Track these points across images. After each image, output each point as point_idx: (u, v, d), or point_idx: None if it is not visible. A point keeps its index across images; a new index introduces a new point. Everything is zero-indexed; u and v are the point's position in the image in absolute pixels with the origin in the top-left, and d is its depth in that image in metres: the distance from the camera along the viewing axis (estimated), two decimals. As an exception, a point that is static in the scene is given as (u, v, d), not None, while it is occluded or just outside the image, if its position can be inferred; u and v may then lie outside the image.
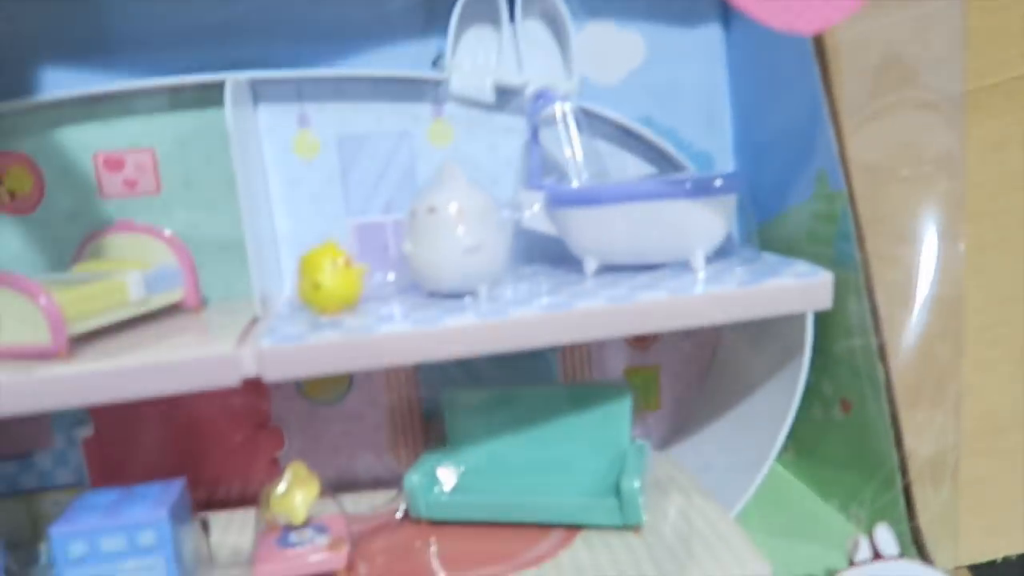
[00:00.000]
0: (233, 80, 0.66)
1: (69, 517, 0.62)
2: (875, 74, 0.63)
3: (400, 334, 0.58)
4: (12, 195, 0.72)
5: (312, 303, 0.63)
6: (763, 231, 0.78)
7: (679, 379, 0.86)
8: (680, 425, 0.85)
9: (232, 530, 0.74)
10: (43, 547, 0.74)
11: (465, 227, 0.63)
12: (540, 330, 0.59)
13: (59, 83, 0.71)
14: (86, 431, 0.76)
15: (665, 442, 0.85)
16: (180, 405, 0.77)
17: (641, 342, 0.84)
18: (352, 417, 0.81)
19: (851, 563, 0.56)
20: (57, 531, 0.60)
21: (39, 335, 0.55)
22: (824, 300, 0.63)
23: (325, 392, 0.80)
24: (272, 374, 0.57)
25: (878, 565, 0.56)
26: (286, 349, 0.57)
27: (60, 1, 0.70)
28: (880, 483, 0.66)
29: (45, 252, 0.72)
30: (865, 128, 0.63)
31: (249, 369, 0.57)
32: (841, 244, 0.65)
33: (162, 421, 0.77)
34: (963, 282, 0.59)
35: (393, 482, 0.79)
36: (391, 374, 0.81)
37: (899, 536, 0.63)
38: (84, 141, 0.72)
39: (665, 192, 0.65)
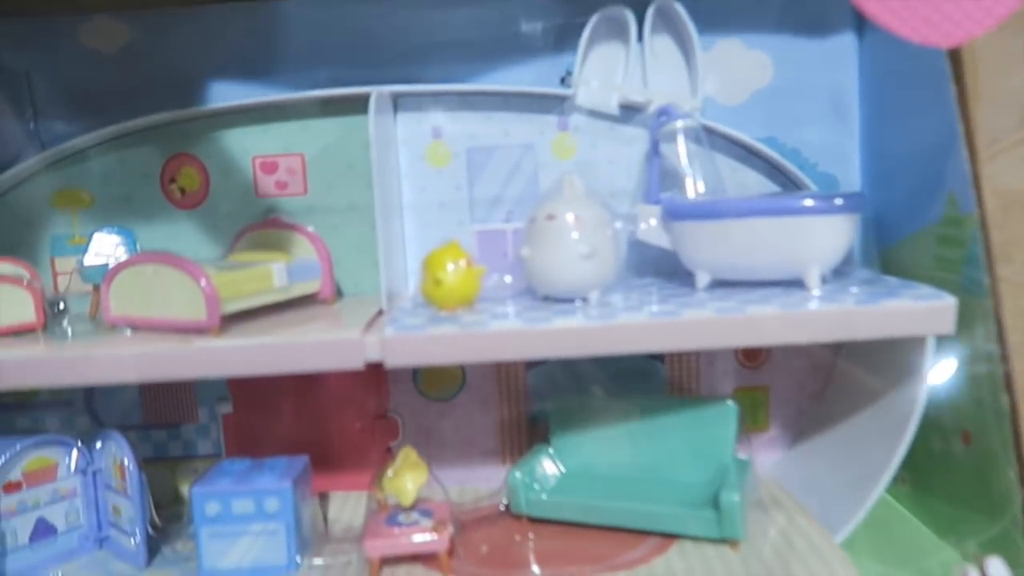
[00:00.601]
0: (377, 92, 0.73)
1: (208, 480, 0.69)
2: (1018, 99, 0.61)
3: (511, 331, 0.61)
4: (183, 192, 0.81)
5: (433, 299, 0.67)
6: (887, 255, 0.76)
7: (789, 401, 0.84)
8: (789, 448, 0.84)
9: (346, 509, 0.80)
10: (183, 508, 0.82)
11: (580, 234, 0.66)
12: (646, 336, 0.61)
13: (225, 94, 0.79)
14: (226, 408, 0.84)
15: (772, 464, 0.84)
16: (309, 392, 0.83)
17: (752, 361, 0.84)
18: (462, 415, 0.85)
19: (961, 596, 0.54)
20: (197, 490, 0.68)
21: (198, 311, 0.62)
22: (946, 325, 0.61)
23: (439, 389, 0.85)
24: (392, 360, 0.61)
25: (991, 601, 0.53)
26: (406, 338, 0.61)
27: (228, 25, 0.79)
28: (1001, 521, 0.62)
29: (207, 242, 0.81)
30: (1007, 154, 0.61)
31: (373, 354, 0.62)
32: (969, 269, 0.63)
33: (292, 405, 0.84)
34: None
35: (496, 479, 0.82)
36: (502, 377, 0.84)
37: (1021, 580, 0.59)
38: (244, 146, 0.80)
39: (783, 208, 0.66)
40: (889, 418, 0.69)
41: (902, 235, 0.73)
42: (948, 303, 0.61)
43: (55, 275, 0.82)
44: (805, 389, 0.84)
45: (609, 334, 0.61)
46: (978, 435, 0.65)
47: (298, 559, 0.68)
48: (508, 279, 0.73)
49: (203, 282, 0.62)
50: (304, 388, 0.84)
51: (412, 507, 0.68)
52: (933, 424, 0.69)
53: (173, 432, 0.85)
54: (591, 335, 0.61)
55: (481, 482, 0.84)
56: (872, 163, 0.79)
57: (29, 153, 0.79)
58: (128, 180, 0.81)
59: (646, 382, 0.83)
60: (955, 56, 0.63)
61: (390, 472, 0.67)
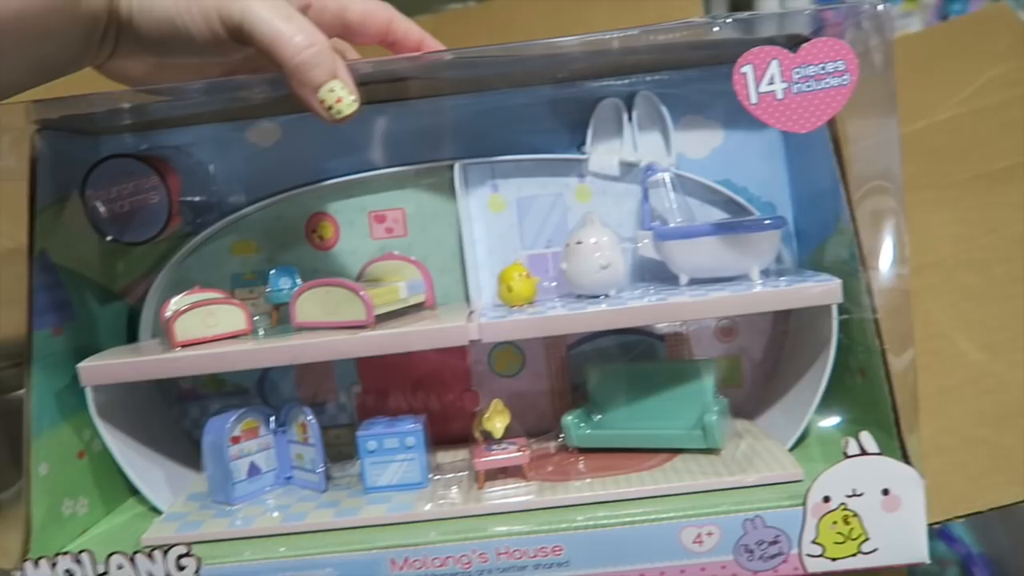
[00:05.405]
0: (459, 164, 1.09)
1: (364, 429, 1.03)
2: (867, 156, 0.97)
3: (560, 315, 0.96)
4: (321, 239, 1.17)
5: (506, 300, 1.02)
6: (812, 256, 1.11)
7: (756, 365, 1.18)
8: (757, 397, 1.17)
9: (448, 455, 1.13)
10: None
11: (600, 252, 1.01)
12: (647, 313, 0.96)
13: (347, 168, 1.15)
14: (358, 389, 1.19)
15: (747, 411, 1.17)
16: (418, 375, 1.18)
17: (727, 337, 1.18)
18: (523, 386, 1.19)
19: (845, 456, 0.87)
20: (360, 434, 1.02)
21: (360, 314, 0.97)
22: (836, 297, 0.96)
23: (507, 368, 1.19)
24: (487, 337, 0.96)
25: (864, 457, 0.86)
26: (495, 323, 0.96)
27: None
28: (881, 424, 0.96)
29: (341, 272, 1.16)
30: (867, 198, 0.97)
31: (474, 335, 0.97)
32: (853, 263, 0.98)
33: (406, 384, 1.19)
34: (909, 293, 0.90)
35: (550, 431, 1.16)
36: (551, 358, 1.19)
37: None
38: (362, 204, 1.16)
39: (732, 228, 1.01)
40: (815, 367, 1.03)
41: (817, 243, 1.08)
42: (835, 283, 0.95)
43: (235, 302, 1.17)
44: (766, 356, 1.18)
45: (622, 313, 0.96)
46: (869, 372, 0.99)
47: (429, 477, 1.02)
48: (553, 284, 1.08)
49: (363, 294, 0.97)
50: (415, 371, 1.19)
51: (500, 440, 1.03)
52: (843, 368, 1.03)
53: (319, 408, 1.19)
54: (610, 314, 0.96)
55: (539, 433, 1.18)
56: (797, 196, 1.14)
57: (214, 219, 1.15)
58: (283, 232, 1.17)
59: (653, 358, 1.18)
60: (834, 133, 0.99)
61: (487, 415, 1.02)
